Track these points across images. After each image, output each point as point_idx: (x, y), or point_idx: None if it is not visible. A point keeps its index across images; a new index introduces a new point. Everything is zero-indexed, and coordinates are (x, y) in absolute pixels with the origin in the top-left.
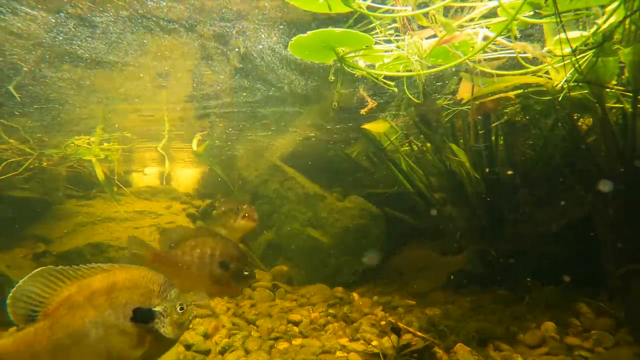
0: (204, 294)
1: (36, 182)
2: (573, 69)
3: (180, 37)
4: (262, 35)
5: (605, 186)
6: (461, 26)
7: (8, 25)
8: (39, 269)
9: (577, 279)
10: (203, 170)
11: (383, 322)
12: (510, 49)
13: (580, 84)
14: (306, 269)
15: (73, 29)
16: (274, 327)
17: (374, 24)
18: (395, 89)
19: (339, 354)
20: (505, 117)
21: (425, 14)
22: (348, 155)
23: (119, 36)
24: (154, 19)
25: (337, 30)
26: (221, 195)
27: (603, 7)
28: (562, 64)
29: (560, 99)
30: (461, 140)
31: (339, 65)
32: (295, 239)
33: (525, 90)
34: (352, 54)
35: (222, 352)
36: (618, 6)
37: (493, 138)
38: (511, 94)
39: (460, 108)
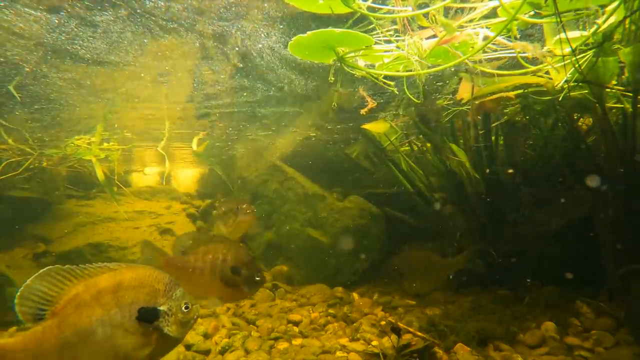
0: (216, 300)
1: (36, 182)
2: (573, 69)
3: (180, 36)
4: (262, 35)
5: (605, 186)
6: (461, 26)
7: (10, 25)
8: (46, 268)
9: (577, 279)
10: (203, 170)
11: (383, 322)
12: (511, 49)
13: (580, 84)
14: (306, 269)
15: (75, 29)
16: (274, 327)
17: (373, 24)
18: (395, 89)
19: (339, 354)
20: (505, 117)
21: (426, 15)
22: (348, 155)
23: (120, 35)
24: (153, 18)
25: (337, 30)
26: (221, 195)
27: (603, 7)
28: (562, 64)
29: (560, 99)
30: (461, 140)
31: (338, 65)
32: (295, 238)
33: (525, 90)
34: (352, 54)
35: (222, 352)
36: (618, 6)
37: (493, 138)
38: (511, 93)
39: (460, 108)
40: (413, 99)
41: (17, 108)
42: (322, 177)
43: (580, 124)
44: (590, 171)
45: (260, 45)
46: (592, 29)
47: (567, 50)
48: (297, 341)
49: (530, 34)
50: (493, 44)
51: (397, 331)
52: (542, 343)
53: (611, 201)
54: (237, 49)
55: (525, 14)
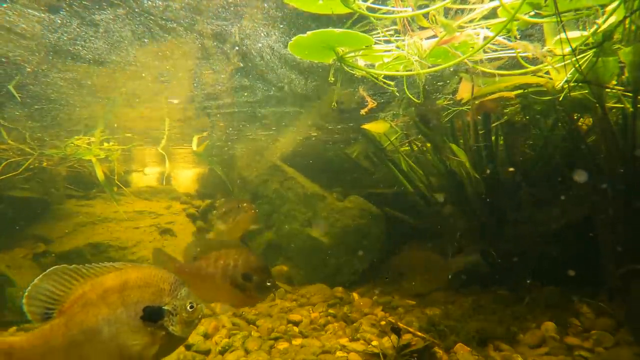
0: (227, 306)
1: (36, 182)
2: (573, 69)
3: (180, 36)
4: (262, 34)
5: (605, 186)
6: (461, 27)
7: (12, 26)
8: (52, 268)
9: (577, 279)
10: (203, 170)
11: (383, 322)
12: (511, 49)
13: (580, 84)
14: (306, 268)
15: (77, 29)
16: (274, 327)
17: (373, 24)
18: (395, 89)
19: (339, 354)
20: (505, 117)
21: (426, 15)
22: (348, 155)
23: (120, 35)
24: (152, 17)
25: (337, 30)
26: (221, 195)
27: (603, 6)
28: (562, 63)
29: (560, 99)
30: (461, 140)
31: (338, 65)
32: (295, 238)
33: (525, 90)
34: (352, 54)
35: (222, 352)
36: (618, 6)
37: (493, 138)
38: (511, 93)
39: (460, 108)
40: (413, 99)
41: (17, 108)
42: (322, 177)
43: (580, 124)
44: (590, 171)
45: (260, 45)
46: (592, 29)
47: (567, 50)
48: (297, 341)
49: (530, 34)
50: (493, 44)
51: (397, 331)
52: (542, 343)
53: (611, 201)
54: (237, 48)
55: (525, 14)
